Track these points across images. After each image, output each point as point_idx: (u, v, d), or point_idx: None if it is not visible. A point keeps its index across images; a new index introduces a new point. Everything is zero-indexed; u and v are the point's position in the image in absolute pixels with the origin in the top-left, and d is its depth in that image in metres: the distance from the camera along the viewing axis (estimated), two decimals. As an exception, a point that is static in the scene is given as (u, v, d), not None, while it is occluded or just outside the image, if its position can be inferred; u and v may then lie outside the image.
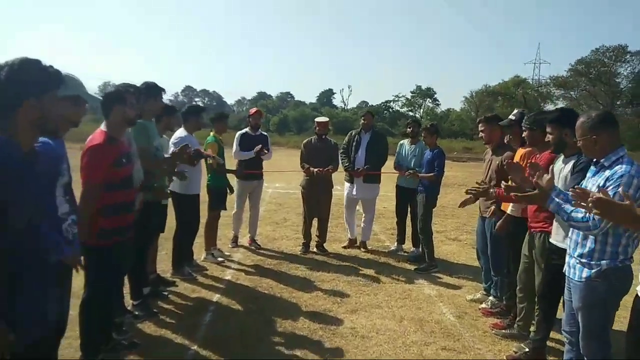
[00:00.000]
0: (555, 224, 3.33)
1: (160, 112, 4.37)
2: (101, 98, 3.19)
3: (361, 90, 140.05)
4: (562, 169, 3.26)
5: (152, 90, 4.16)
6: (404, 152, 6.71)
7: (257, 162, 6.48)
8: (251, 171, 6.39)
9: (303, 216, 6.72)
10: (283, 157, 16.90)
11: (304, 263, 6.08)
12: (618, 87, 58.25)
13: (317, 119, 6.77)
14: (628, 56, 57.09)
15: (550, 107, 60.69)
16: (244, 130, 6.61)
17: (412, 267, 6.04)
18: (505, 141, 4.65)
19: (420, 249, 6.30)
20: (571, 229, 2.80)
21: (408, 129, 6.77)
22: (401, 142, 6.94)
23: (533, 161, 3.79)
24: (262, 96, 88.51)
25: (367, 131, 6.70)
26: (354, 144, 6.69)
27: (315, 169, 6.34)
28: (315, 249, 6.68)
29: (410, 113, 66.43)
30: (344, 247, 6.83)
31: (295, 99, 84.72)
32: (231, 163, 6.56)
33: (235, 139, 6.47)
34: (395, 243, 6.94)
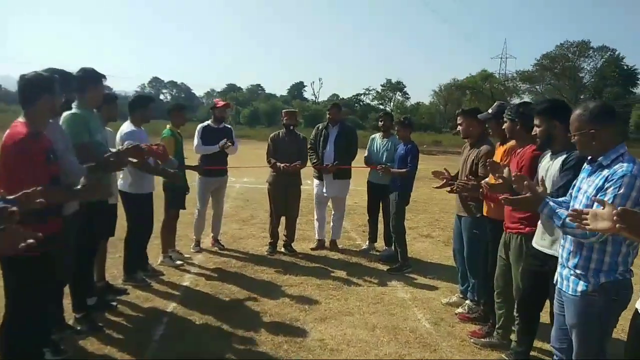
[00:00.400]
0: (540, 227, 3.03)
1: (101, 101, 3.88)
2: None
3: (332, 84, 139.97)
4: (549, 166, 2.96)
5: (92, 77, 3.68)
6: (375, 146, 6.38)
7: (221, 157, 6.04)
8: (215, 167, 5.94)
9: (270, 214, 6.31)
10: (253, 150, 16.41)
11: (270, 265, 5.69)
12: (582, 82, 59.97)
13: (285, 110, 6.35)
14: (591, 51, 58.88)
15: (516, 100, 62.08)
16: (206, 123, 6.15)
17: (385, 268, 5.73)
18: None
19: (393, 248, 6.00)
20: (564, 236, 2.51)
21: (380, 122, 6.44)
22: (372, 136, 6.61)
23: (515, 157, 3.52)
24: (232, 88, 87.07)
25: (335, 125, 6.35)
26: (322, 138, 6.32)
27: (282, 164, 5.94)
28: (283, 249, 6.30)
29: (381, 106, 66.65)
30: (313, 249, 6.46)
31: (266, 91, 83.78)
32: (192, 158, 6.12)
33: (196, 132, 6.00)
34: (367, 242, 6.62)
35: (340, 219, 6.59)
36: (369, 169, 6.44)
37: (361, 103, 67.20)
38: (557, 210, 2.39)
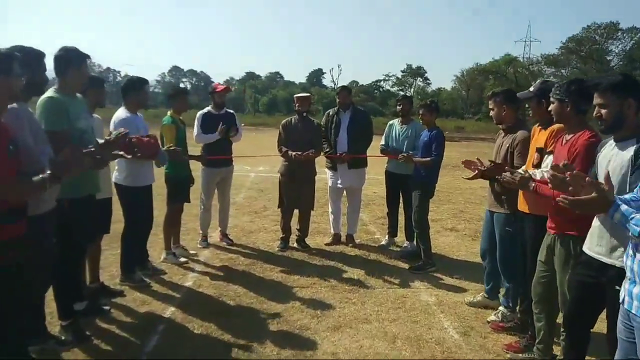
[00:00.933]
0: (595, 229, 2.49)
1: (85, 85, 3.45)
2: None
3: (351, 70, 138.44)
4: (612, 157, 2.40)
5: (74, 57, 3.23)
6: (394, 133, 5.85)
7: (224, 146, 5.58)
8: (217, 156, 5.49)
9: (281, 207, 5.86)
10: (270, 138, 15.97)
11: (281, 263, 5.25)
12: (609, 65, 58.09)
13: (297, 95, 5.85)
14: (620, 33, 57.05)
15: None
16: (206, 109, 5.68)
17: (407, 266, 5.23)
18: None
19: (415, 244, 5.50)
20: (636, 244, 1.98)
21: (398, 107, 5.89)
22: (390, 122, 6.07)
23: (564, 145, 2.97)
24: (250, 76, 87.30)
25: (346, 109, 5.83)
26: (333, 125, 5.82)
27: (294, 153, 5.46)
28: (295, 244, 5.86)
29: (401, 92, 65.60)
30: (328, 244, 5.99)
31: (285, 79, 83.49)
32: (196, 148, 5.68)
33: (196, 121, 5.55)
34: (387, 236, 6.12)
35: (356, 211, 6.10)
36: (385, 157, 5.93)
37: (381, 89, 66.29)
38: (632, 216, 1.87)
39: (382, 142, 5.96)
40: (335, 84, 70.40)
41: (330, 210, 6.16)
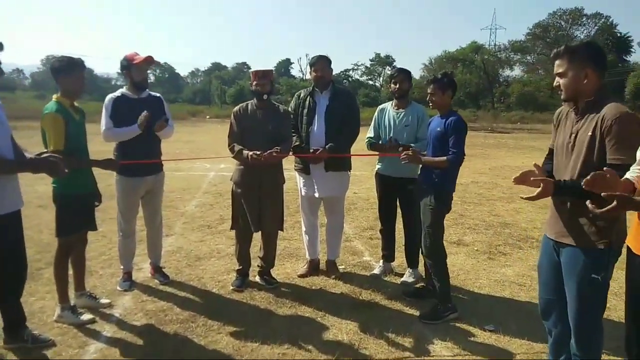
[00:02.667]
0: None
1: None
2: None
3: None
4: None
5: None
6: (387, 121, 4.28)
7: (150, 144, 3.90)
8: (139, 160, 3.79)
9: (236, 229, 4.20)
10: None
11: (234, 314, 3.61)
12: None
13: (254, 69, 4.14)
14: (584, 19, 57.76)
15: (508, 72, 60.76)
16: (118, 92, 3.95)
17: (415, 312, 3.68)
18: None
19: (424, 274, 3.98)
20: None
21: (393, 85, 4.29)
22: (381, 106, 4.47)
23: None
24: (217, 67, 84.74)
25: (324, 89, 4.23)
26: (306, 111, 4.22)
27: (251, 153, 3.81)
28: (257, 279, 4.23)
29: (370, 82, 64.58)
30: (302, 275, 4.38)
31: (252, 69, 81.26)
32: (103, 149, 3.95)
33: (104, 109, 3.83)
34: (381, 261, 4.55)
35: (338, 230, 4.51)
36: (376, 155, 4.36)
37: (350, 79, 64.91)
38: None
39: (370, 134, 4.38)
40: (303, 74, 68.57)
41: (303, 229, 4.54)
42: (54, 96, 3.31)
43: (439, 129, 3.60)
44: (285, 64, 78.65)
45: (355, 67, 66.06)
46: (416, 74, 69.85)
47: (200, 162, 12.37)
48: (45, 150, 2.72)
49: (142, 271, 4.39)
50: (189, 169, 11.16)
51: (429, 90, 3.69)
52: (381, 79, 65.00)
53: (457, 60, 60.72)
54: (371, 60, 65.57)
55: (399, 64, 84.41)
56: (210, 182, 9.52)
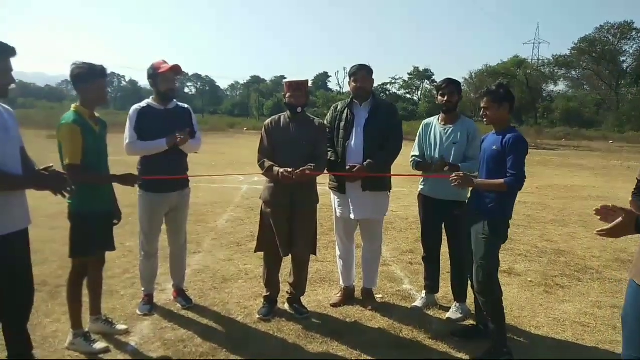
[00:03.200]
0: None
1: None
2: None
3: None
4: None
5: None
6: (433, 137, 3.87)
7: (175, 158, 3.63)
8: (165, 176, 3.52)
9: (264, 252, 3.86)
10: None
11: (259, 348, 3.26)
12: (622, 66, 56.64)
13: (287, 80, 3.80)
14: (634, 33, 55.69)
15: (552, 87, 59.11)
16: (144, 103, 3.69)
17: (463, 355, 3.22)
18: None
19: (472, 308, 3.53)
20: None
21: (440, 97, 3.88)
22: (426, 121, 4.06)
23: None
24: (255, 80, 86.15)
25: (364, 101, 3.86)
26: (343, 124, 3.85)
27: (283, 170, 3.48)
28: (286, 306, 3.87)
29: (408, 96, 63.96)
30: (335, 305, 3.99)
31: (286, 80, 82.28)
32: (125, 164, 3.71)
33: (128, 120, 3.59)
34: (423, 292, 4.11)
35: (376, 256, 4.09)
36: (420, 176, 3.96)
37: (387, 92, 64.39)
38: None
39: (415, 152, 3.98)
40: (341, 87, 68.60)
41: (337, 253, 4.16)
42: (73, 105, 3.08)
43: (494, 148, 3.17)
44: (323, 77, 79.08)
45: (393, 81, 65.50)
46: (456, 88, 68.83)
47: (235, 176, 12.20)
48: (51, 165, 2.46)
49: (165, 292, 4.11)
50: (222, 181, 10.98)
51: (482, 104, 3.28)
52: (419, 93, 64.30)
53: (499, 75, 59.31)
54: (409, 74, 64.90)
55: (438, 78, 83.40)
56: (243, 196, 9.28)
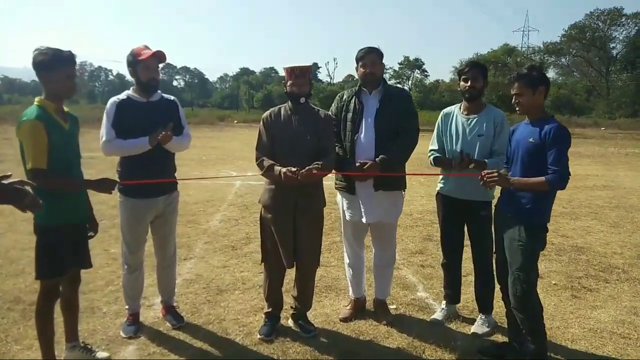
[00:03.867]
0: None
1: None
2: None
3: (347, 64, 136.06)
4: None
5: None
6: (454, 128, 3.42)
7: (161, 158, 3.15)
8: (148, 180, 3.04)
9: (264, 263, 3.41)
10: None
11: (263, 375, 2.83)
12: (612, 52, 56.81)
13: (288, 65, 3.23)
14: (623, 19, 55.76)
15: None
16: (124, 95, 3.19)
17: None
18: None
19: (508, 325, 3.12)
20: None
21: (463, 82, 3.41)
22: (446, 110, 3.60)
23: None
24: (245, 72, 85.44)
25: (373, 89, 3.40)
26: (350, 115, 3.39)
27: (285, 169, 3.01)
28: (290, 322, 3.43)
29: (399, 85, 63.64)
30: (345, 319, 3.54)
31: (280, 74, 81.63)
32: (103, 166, 3.22)
33: (105, 115, 3.10)
34: (443, 303, 3.68)
35: (389, 264, 3.65)
36: (441, 174, 3.52)
37: (378, 82, 64.03)
38: None
39: (434, 145, 3.54)
40: (331, 78, 68.01)
41: (346, 260, 3.72)
42: (36, 99, 2.59)
43: (531, 140, 2.74)
44: (313, 68, 78.63)
45: (384, 71, 65.29)
46: (447, 77, 68.65)
47: (226, 170, 11.71)
48: (9, 174, 1.98)
49: (153, 309, 3.65)
50: (214, 178, 10.49)
51: (513, 91, 2.84)
52: (410, 82, 63.96)
53: (489, 63, 59.25)
54: (400, 64, 64.47)
55: (428, 67, 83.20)
56: (236, 193, 8.78)
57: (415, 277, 4.47)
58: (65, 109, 2.71)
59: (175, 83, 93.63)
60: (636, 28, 55.09)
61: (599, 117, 45.08)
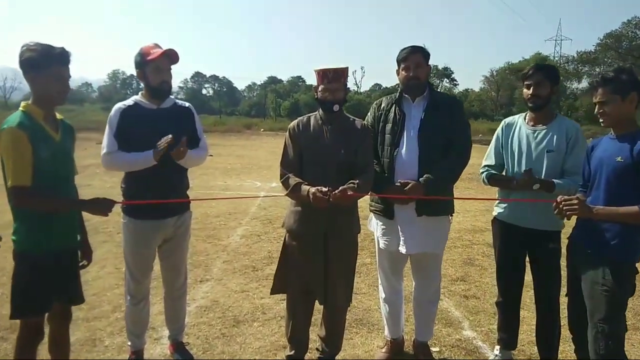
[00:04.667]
0: None
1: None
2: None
3: (375, 72, 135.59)
4: None
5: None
6: (517, 142, 2.88)
7: (171, 174, 2.72)
8: (154, 200, 2.60)
9: (289, 298, 2.92)
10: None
11: None
12: None
13: (320, 67, 2.72)
14: None
15: (575, 85, 57.80)
16: (130, 101, 2.77)
17: None
18: None
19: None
20: None
21: (526, 88, 2.86)
22: (508, 120, 3.05)
23: None
24: (272, 80, 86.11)
25: (417, 96, 2.89)
26: (390, 127, 2.90)
27: (315, 189, 2.53)
28: (316, 365, 2.94)
29: (428, 94, 63.33)
30: (381, 365, 3.04)
31: (307, 82, 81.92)
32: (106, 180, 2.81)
33: (107, 124, 2.69)
34: (497, 348, 3.12)
35: (433, 300, 3.10)
36: (497, 196, 2.99)
37: (406, 92, 63.63)
38: None
39: (489, 161, 3.01)
40: (358, 87, 67.59)
41: (381, 295, 3.20)
42: (22, 104, 2.19)
43: (619, 160, 2.20)
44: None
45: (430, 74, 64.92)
46: (476, 86, 67.44)
47: (251, 180, 11.34)
48: None
49: (160, 343, 3.22)
50: (239, 188, 10.12)
51: (597, 98, 2.31)
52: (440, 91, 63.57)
53: (521, 72, 58.21)
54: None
55: (457, 76, 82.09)
56: (259, 205, 8.35)
57: (458, 311, 3.92)
58: (58, 116, 2.31)
59: (204, 91, 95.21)
60: (676, 36, 53.27)
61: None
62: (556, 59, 61.62)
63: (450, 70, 64.27)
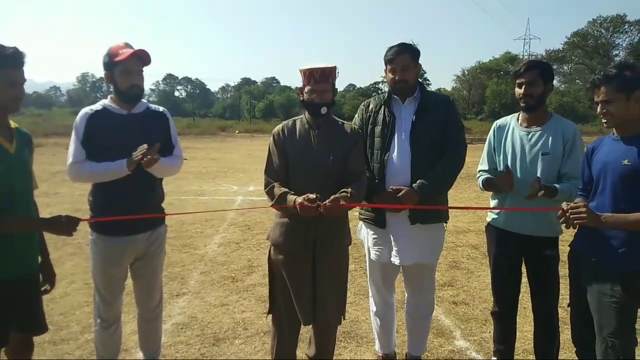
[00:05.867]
0: None
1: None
2: None
3: (348, 73, 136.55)
4: None
5: None
6: (510, 143, 2.74)
7: (143, 186, 2.49)
8: (124, 216, 2.35)
9: (273, 317, 2.71)
10: (266, 147, 12.99)
11: None
12: (615, 60, 56.61)
13: (306, 67, 2.49)
14: (626, 26, 55.83)
15: None
16: (99, 105, 2.53)
17: None
18: None
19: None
20: None
21: (517, 87, 2.70)
22: (500, 121, 2.91)
23: None
24: (246, 82, 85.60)
25: (407, 96, 2.73)
26: (379, 130, 2.73)
27: (300, 198, 2.33)
28: (304, 387, 2.75)
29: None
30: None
31: (281, 83, 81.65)
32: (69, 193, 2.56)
33: (73, 131, 2.44)
34: (493, 358, 2.99)
35: (427, 314, 2.94)
36: (501, 200, 2.85)
37: (380, 92, 64.00)
38: None
39: (484, 165, 2.87)
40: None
41: (372, 308, 3.03)
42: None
43: (626, 163, 2.08)
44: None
45: (385, 80, 65.23)
46: (448, 85, 68.34)
47: (227, 184, 11.05)
48: None
49: (135, 366, 2.97)
50: (214, 193, 9.82)
51: (599, 97, 2.18)
52: (412, 91, 64.48)
53: (492, 71, 59.29)
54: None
55: (429, 75, 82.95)
56: (237, 211, 8.10)
57: (449, 319, 3.77)
58: (13, 124, 2.05)
59: (177, 94, 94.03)
60: (639, 35, 55.14)
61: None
62: (525, 57, 62.99)
63: (423, 70, 65.12)
